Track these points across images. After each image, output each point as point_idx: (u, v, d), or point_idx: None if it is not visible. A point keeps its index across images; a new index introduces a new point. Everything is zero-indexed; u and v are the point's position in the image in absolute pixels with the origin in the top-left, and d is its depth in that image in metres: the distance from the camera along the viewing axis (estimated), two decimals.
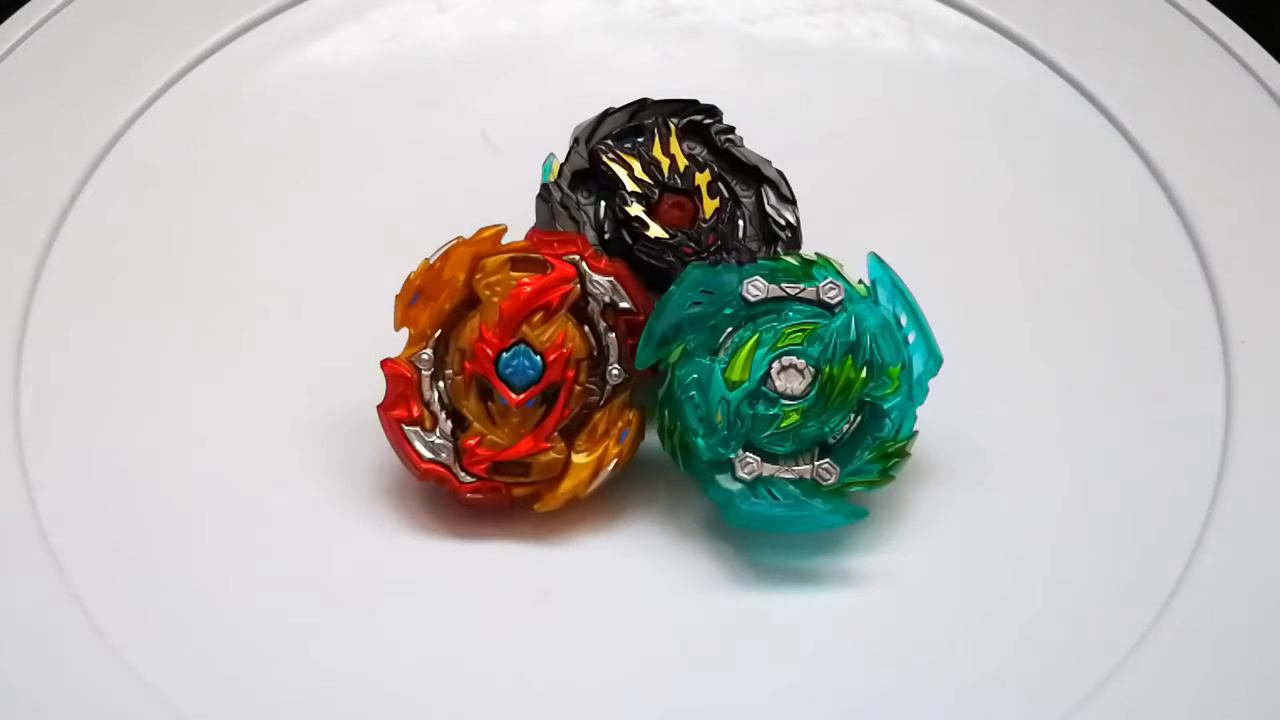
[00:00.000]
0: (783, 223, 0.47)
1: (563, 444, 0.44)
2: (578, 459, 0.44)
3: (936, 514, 0.45)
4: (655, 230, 0.46)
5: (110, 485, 0.45)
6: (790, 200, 0.47)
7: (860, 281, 0.44)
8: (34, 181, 0.50)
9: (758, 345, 0.43)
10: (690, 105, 0.48)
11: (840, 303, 0.43)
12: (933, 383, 0.44)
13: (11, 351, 0.47)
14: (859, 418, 0.44)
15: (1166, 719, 0.41)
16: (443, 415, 0.44)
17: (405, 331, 0.44)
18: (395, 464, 0.44)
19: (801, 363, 0.43)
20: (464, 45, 0.55)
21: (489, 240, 0.44)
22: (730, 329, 0.43)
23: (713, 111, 0.48)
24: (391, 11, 0.55)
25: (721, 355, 0.43)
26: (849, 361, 0.43)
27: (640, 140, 0.47)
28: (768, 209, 0.47)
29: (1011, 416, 0.47)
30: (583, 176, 0.47)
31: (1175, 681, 0.42)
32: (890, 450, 0.43)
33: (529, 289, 0.43)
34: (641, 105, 0.48)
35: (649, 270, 0.46)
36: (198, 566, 0.43)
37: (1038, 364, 0.48)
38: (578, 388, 0.44)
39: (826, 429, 0.43)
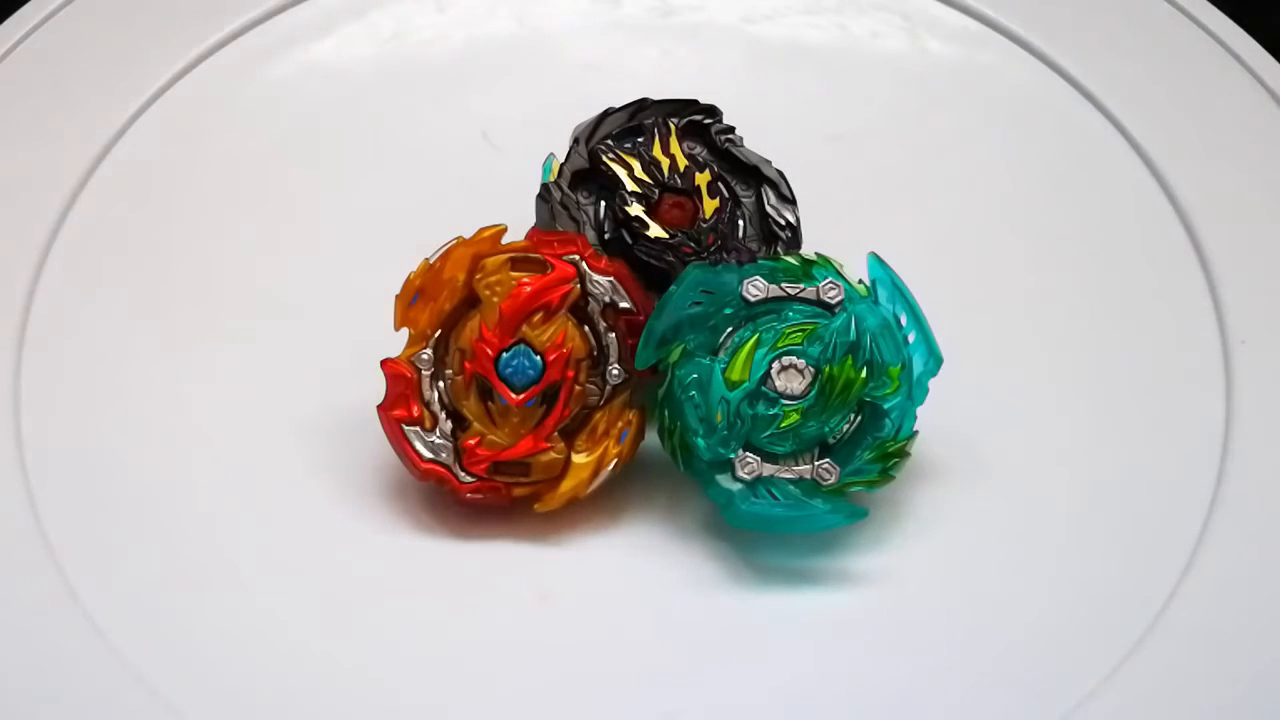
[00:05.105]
0: (783, 223, 0.47)
1: (563, 444, 0.44)
2: (578, 459, 0.44)
3: (936, 514, 0.45)
4: (655, 230, 0.46)
5: (110, 485, 0.45)
6: (790, 200, 0.47)
7: (860, 281, 0.44)
8: (34, 181, 0.50)
9: (758, 345, 0.43)
10: (690, 105, 0.48)
11: (840, 303, 0.43)
12: (933, 383, 0.44)
13: (11, 351, 0.47)
14: (859, 418, 0.44)
15: (1166, 719, 0.41)
16: (443, 415, 0.44)
17: (405, 331, 0.44)
18: (395, 464, 0.44)
19: (801, 363, 0.43)
20: (464, 45, 0.55)
21: (489, 240, 0.44)
22: (730, 329, 0.43)
23: (713, 111, 0.48)
24: (391, 11, 0.55)
25: (721, 355, 0.43)
26: (849, 361, 0.43)
27: (640, 140, 0.47)
28: (768, 209, 0.47)
29: (1011, 416, 0.47)
30: (583, 176, 0.47)
31: (1175, 681, 0.42)
32: (890, 450, 0.43)
33: (529, 289, 0.43)
34: (641, 105, 0.48)
35: (649, 270, 0.46)
36: (198, 566, 0.43)
37: (1038, 364, 0.48)
38: (578, 388, 0.44)
39: (826, 429, 0.43)
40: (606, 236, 0.47)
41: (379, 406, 0.44)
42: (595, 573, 0.44)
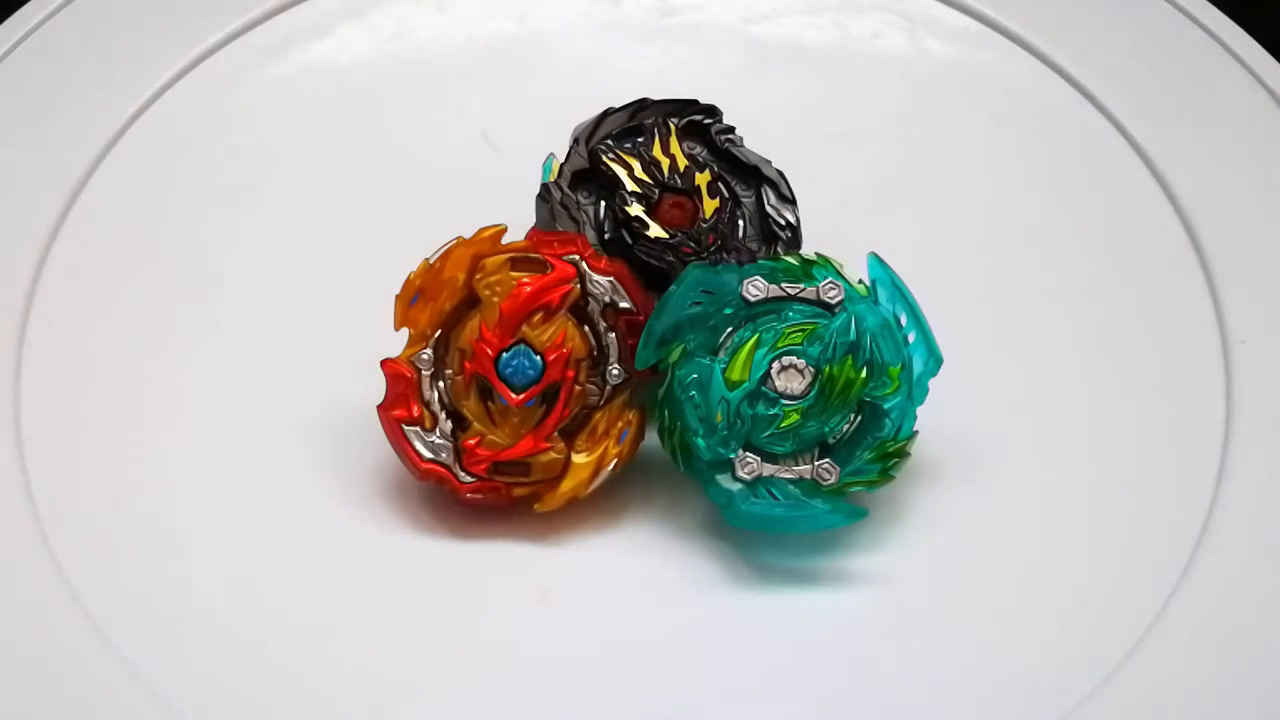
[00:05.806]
0: (783, 223, 0.47)
1: (563, 444, 0.44)
2: (578, 459, 0.44)
3: (936, 514, 0.45)
4: (655, 230, 0.46)
5: (110, 485, 0.45)
6: (790, 200, 0.47)
7: (860, 281, 0.44)
8: (34, 181, 0.50)
9: (758, 345, 0.43)
10: (690, 105, 0.48)
11: (840, 303, 0.43)
12: (933, 383, 0.44)
13: (11, 351, 0.47)
14: (859, 418, 0.44)
15: (1166, 719, 0.41)
16: (443, 415, 0.44)
17: (405, 331, 0.44)
18: (395, 464, 0.44)
19: (801, 363, 0.43)
20: (464, 45, 0.55)
21: (489, 240, 0.44)
22: (730, 329, 0.43)
23: (713, 111, 0.48)
24: (391, 11, 0.55)
25: (721, 355, 0.43)
26: (849, 361, 0.43)
27: (640, 140, 0.47)
28: (768, 209, 0.47)
29: (1011, 416, 0.47)
30: (583, 176, 0.47)
31: (1175, 681, 0.42)
32: (890, 450, 0.43)
33: (529, 289, 0.43)
34: (641, 105, 0.48)
35: (649, 270, 0.46)
36: (197, 566, 0.43)
37: (1038, 364, 0.48)
38: (578, 388, 0.44)
39: (826, 429, 0.43)
40: (606, 236, 0.47)
41: (379, 406, 0.44)
42: (595, 573, 0.44)
